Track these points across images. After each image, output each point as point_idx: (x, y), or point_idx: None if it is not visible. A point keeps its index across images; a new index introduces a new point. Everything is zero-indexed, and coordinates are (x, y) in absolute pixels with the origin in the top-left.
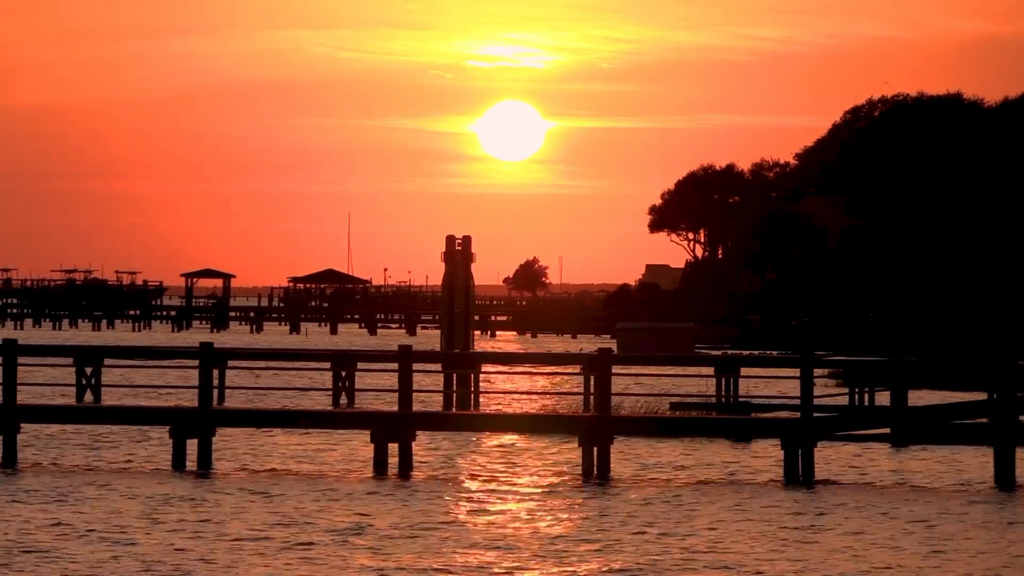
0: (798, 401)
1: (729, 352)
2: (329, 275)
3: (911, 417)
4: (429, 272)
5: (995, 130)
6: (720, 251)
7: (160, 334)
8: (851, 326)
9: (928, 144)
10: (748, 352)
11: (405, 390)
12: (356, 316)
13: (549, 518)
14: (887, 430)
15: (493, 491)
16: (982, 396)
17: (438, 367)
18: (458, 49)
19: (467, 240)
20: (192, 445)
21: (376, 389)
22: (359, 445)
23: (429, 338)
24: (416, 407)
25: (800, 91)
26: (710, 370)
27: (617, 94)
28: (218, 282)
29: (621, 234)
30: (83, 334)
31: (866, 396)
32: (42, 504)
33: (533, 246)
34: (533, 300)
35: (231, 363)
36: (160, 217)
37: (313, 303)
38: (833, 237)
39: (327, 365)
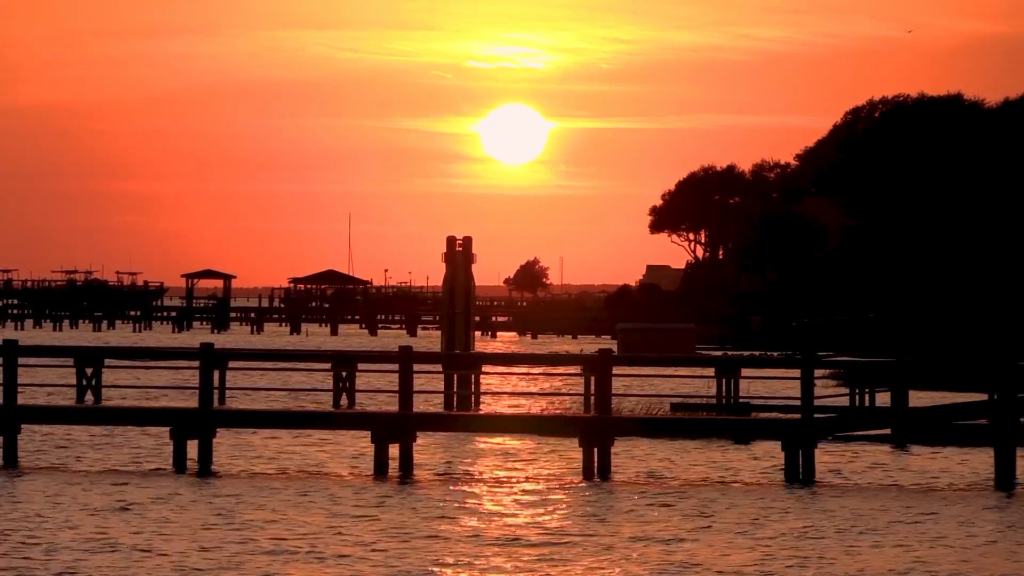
0: (798, 401)
1: (729, 353)
2: (329, 275)
3: (911, 417)
4: (430, 273)
5: (995, 130)
6: (721, 252)
7: (161, 335)
8: (851, 326)
9: (928, 145)
10: (749, 352)
11: (405, 391)
12: (356, 317)
13: (549, 519)
14: (887, 430)
15: (493, 492)
16: (982, 396)
17: (439, 368)
18: (459, 49)
19: (468, 241)
20: (192, 446)
21: (376, 390)
22: (359, 446)
23: (430, 339)
24: (417, 408)
25: (800, 91)
26: (710, 371)
27: (617, 94)
28: (218, 283)
29: (621, 234)
30: (83, 334)
31: (866, 396)
32: (42, 505)
33: (534, 247)
34: (534, 301)
35: (232, 364)
36: (161, 217)
37: (313, 304)
38: (833, 237)
39: (327, 365)
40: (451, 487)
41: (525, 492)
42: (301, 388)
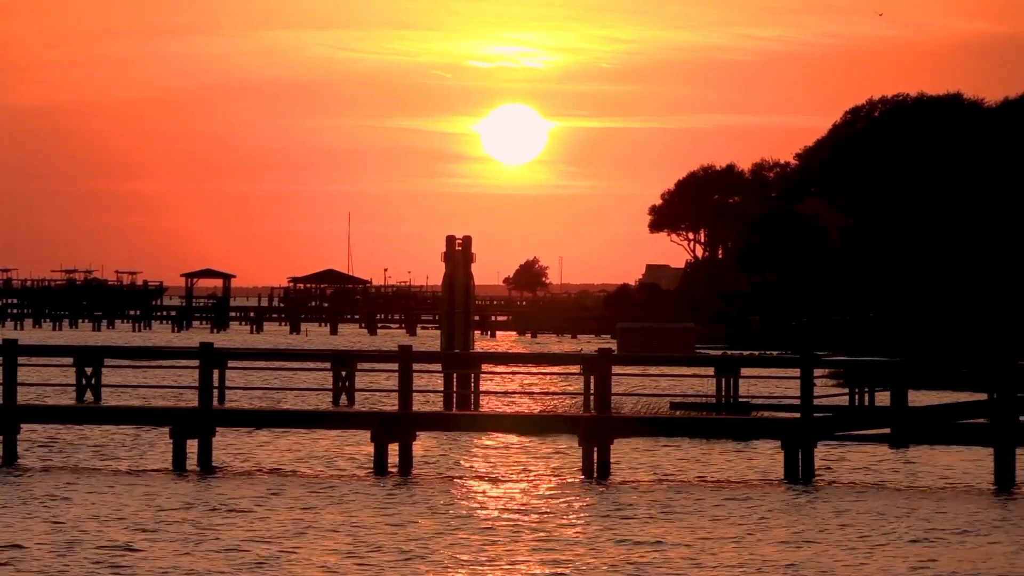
0: (798, 401)
1: (729, 352)
2: (329, 275)
3: (911, 417)
4: (429, 272)
5: (995, 130)
6: (720, 251)
7: (160, 334)
8: (851, 326)
9: (928, 144)
10: (748, 352)
11: (405, 390)
12: (356, 316)
13: (549, 518)
14: (887, 430)
15: (493, 491)
16: (982, 396)
17: (438, 367)
18: (459, 49)
19: (467, 240)
20: (192, 445)
21: (376, 389)
22: (359, 445)
23: (429, 338)
24: (416, 407)
25: (800, 91)
26: (710, 370)
27: (617, 94)
28: (218, 282)
29: (621, 234)
30: (83, 334)
31: (866, 396)
32: (42, 505)
33: (533, 246)
34: (533, 300)
35: (231, 363)
36: (160, 217)
37: (313, 303)
38: (833, 237)
39: (327, 365)
40: (451, 487)
41: (525, 492)
42: (301, 388)
